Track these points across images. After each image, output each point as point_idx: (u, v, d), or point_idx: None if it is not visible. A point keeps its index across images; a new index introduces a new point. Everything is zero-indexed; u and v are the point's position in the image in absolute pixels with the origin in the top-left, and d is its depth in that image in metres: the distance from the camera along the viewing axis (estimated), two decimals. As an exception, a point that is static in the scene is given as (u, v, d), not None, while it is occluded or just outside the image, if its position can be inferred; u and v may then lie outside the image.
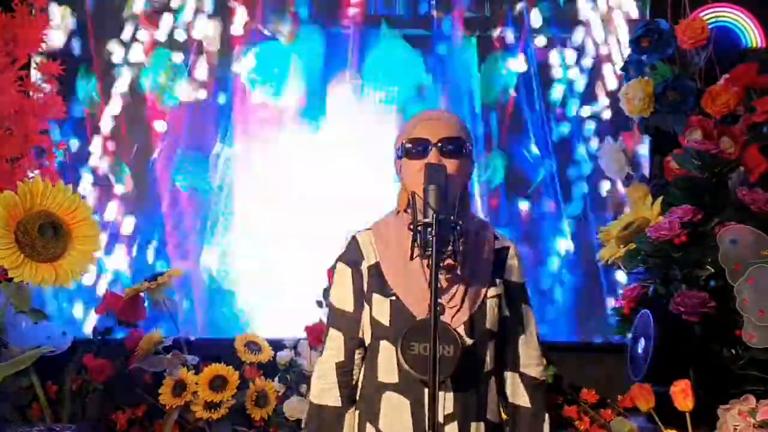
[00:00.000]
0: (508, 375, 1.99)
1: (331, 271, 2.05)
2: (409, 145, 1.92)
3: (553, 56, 3.84)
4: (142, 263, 3.69)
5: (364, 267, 1.96)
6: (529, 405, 1.98)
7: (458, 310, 1.88)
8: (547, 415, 1.99)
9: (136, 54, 3.77)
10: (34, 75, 3.33)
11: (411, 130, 1.94)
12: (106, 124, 3.74)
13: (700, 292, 2.92)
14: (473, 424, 1.88)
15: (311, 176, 3.77)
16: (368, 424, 1.92)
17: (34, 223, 2.34)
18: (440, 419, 1.81)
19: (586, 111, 3.83)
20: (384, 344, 1.91)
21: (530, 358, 2.00)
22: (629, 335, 3.16)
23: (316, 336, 3.23)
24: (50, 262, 2.37)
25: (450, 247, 1.76)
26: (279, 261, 3.72)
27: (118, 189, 3.73)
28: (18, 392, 3.02)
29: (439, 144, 1.89)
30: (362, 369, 1.98)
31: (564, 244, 3.80)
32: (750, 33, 3.63)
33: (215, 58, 3.80)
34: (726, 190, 3.12)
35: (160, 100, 3.77)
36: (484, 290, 1.92)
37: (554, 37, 3.84)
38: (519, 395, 1.98)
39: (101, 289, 3.61)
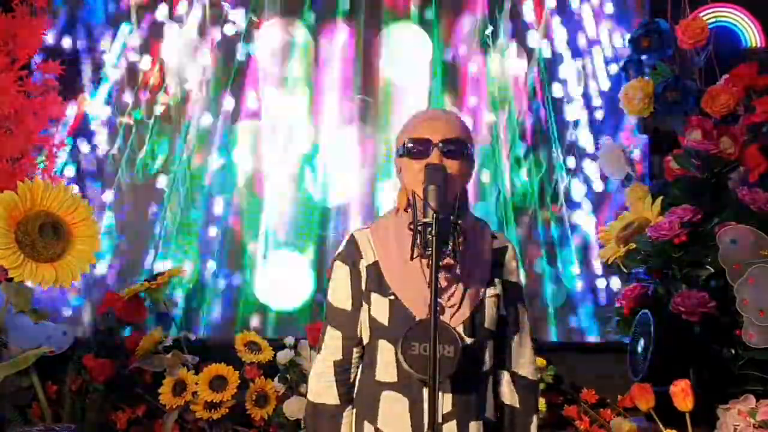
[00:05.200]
0: (501, 374, 1.98)
1: (330, 271, 2.05)
2: (410, 145, 1.91)
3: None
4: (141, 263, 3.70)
5: (362, 266, 1.95)
6: (518, 405, 1.98)
7: (457, 310, 1.88)
8: (536, 417, 1.99)
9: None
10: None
11: (412, 130, 1.94)
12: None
13: (700, 292, 2.92)
14: (472, 423, 1.88)
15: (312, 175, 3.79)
16: (366, 423, 1.91)
17: (35, 223, 2.33)
18: (438, 418, 1.80)
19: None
20: (383, 343, 1.91)
21: (523, 359, 2.00)
22: (629, 335, 3.16)
23: (316, 336, 3.23)
24: (50, 262, 2.37)
25: (450, 247, 1.76)
26: (278, 260, 3.73)
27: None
28: (18, 392, 3.02)
29: (441, 144, 1.88)
30: (360, 368, 1.98)
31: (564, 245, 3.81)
32: (750, 33, 3.63)
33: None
34: (726, 190, 3.12)
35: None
36: (482, 290, 1.92)
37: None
38: (510, 395, 1.98)
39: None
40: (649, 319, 2.97)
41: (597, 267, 3.79)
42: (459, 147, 1.90)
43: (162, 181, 3.76)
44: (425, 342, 1.75)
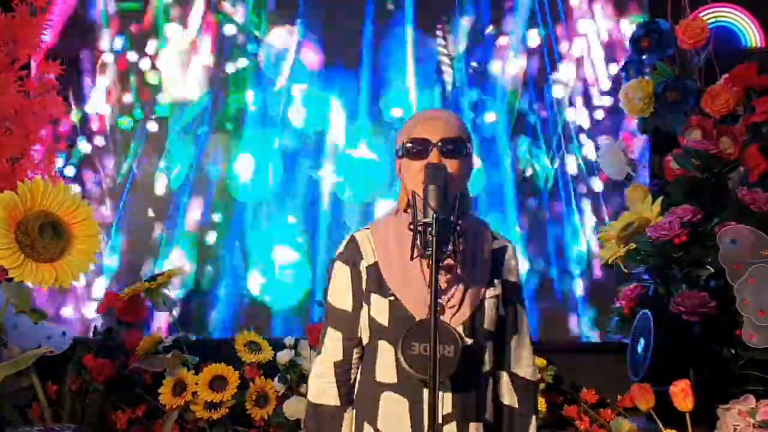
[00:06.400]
0: (500, 375, 1.98)
1: (330, 271, 2.04)
2: (409, 145, 1.91)
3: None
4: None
5: (362, 267, 1.95)
6: (517, 405, 1.97)
7: (457, 310, 1.88)
8: (534, 417, 1.99)
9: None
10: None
11: (411, 130, 1.94)
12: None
13: (700, 292, 2.92)
14: (472, 425, 1.87)
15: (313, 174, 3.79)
16: (366, 424, 1.91)
17: (34, 223, 2.33)
18: (438, 419, 1.80)
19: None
20: (383, 344, 1.90)
21: (522, 359, 1.99)
22: (629, 335, 3.16)
23: (316, 336, 3.23)
24: (50, 262, 2.36)
25: (450, 247, 1.76)
26: (279, 260, 3.73)
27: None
28: (18, 392, 3.02)
29: (440, 144, 1.88)
30: (360, 368, 1.98)
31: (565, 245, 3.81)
32: (750, 33, 3.63)
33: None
34: (726, 190, 3.12)
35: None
36: (482, 290, 1.92)
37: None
38: (509, 396, 1.98)
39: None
40: (649, 319, 2.97)
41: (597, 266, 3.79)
42: (458, 146, 1.90)
43: (162, 181, 3.77)
44: (425, 342, 1.75)
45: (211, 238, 3.75)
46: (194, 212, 3.76)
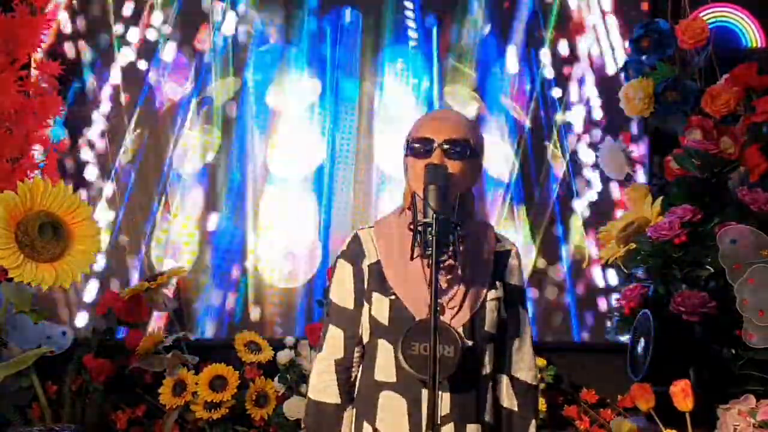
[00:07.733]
0: (500, 378, 1.98)
1: (332, 269, 2.05)
2: (414, 144, 1.91)
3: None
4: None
5: (365, 265, 1.95)
6: (517, 409, 1.97)
7: (458, 311, 1.88)
8: (534, 421, 1.99)
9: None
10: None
11: (417, 129, 1.94)
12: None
13: (700, 292, 2.92)
14: (470, 426, 1.88)
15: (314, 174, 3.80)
16: (365, 423, 1.92)
17: (34, 223, 2.33)
18: (437, 420, 1.80)
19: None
20: (382, 343, 1.91)
21: (523, 363, 1.99)
22: (629, 335, 3.16)
23: (317, 336, 3.23)
24: (50, 262, 2.37)
25: (450, 248, 1.76)
26: (280, 259, 3.73)
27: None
28: (18, 392, 3.02)
29: (444, 145, 1.88)
30: (360, 367, 1.98)
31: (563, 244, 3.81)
32: (750, 33, 3.63)
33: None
34: (726, 190, 3.12)
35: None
36: (484, 292, 1.92)
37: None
38: (509, 399, 1.98)
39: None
40: (649, 319, 2.97)
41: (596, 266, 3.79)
42: (462, 148, 1.89)
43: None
44: (425, 342, 1.75)
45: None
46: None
